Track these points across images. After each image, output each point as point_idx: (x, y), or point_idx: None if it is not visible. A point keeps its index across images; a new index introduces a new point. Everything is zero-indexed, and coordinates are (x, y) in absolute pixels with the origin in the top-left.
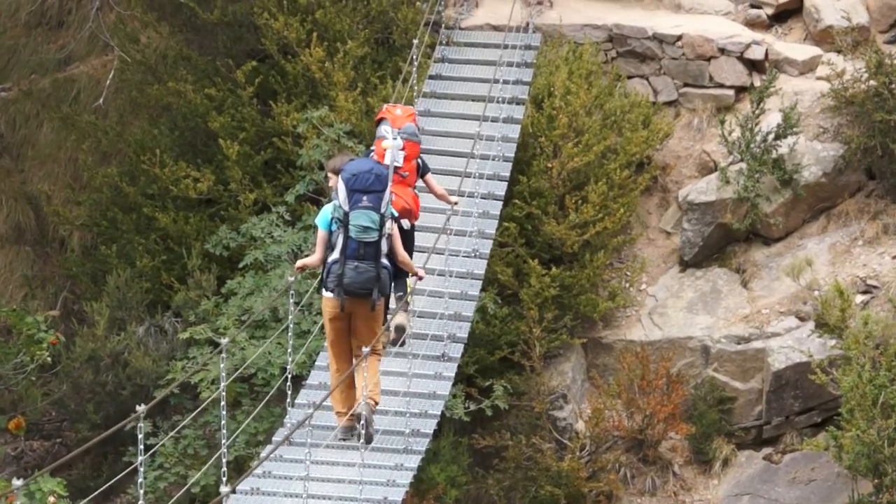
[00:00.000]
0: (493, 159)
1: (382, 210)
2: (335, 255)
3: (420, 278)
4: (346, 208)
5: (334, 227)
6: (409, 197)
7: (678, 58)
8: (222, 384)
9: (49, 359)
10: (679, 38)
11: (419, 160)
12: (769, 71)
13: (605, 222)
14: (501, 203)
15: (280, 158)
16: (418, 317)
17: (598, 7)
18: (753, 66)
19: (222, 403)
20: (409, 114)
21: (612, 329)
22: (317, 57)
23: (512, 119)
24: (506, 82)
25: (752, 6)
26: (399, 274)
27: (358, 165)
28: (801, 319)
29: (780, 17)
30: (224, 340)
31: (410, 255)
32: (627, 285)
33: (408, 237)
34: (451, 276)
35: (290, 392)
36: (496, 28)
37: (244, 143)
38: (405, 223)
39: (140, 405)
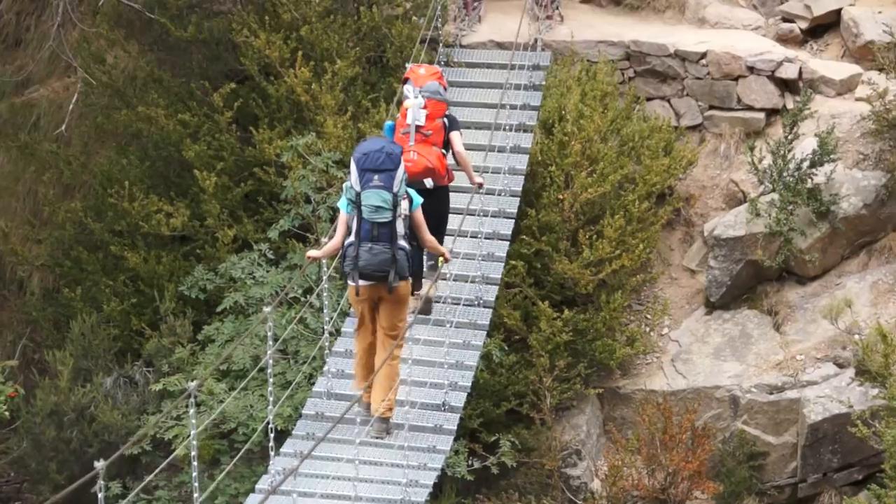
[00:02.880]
0: (499, 194)
1: (395, 189)
2: (351, 237)
3: (447, 261)
4: (358, 188)
5: (350, 210)
6: (434, 156)
7: (703, 77)
8: (192, 433)
9: (7, 413)
10: (703, 55)
11: (445, 119)
12: (803, 91)
13: (623, 260)
14: (508, 243)
15: (262, 191)
16: (415, 364)
17: (614, 22)
18: (786, 85)
19: (194, 460)
20: (433, 72)
21: (631, 378)
22: (302, 78)
23: (519, 148)
24: (512, 107)
25: (785, 20)
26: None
27: (369, 145)
28: (840, 366)
29: (816, 31)
30: (191, 384)
31: (446, 218)
32: (648, 329)
33: (439, 199)
34: (451, 325)
35: (272, 445)
36: (501, 46)
37: (222, 174)
38: (428, 182)
39: (99, 461)
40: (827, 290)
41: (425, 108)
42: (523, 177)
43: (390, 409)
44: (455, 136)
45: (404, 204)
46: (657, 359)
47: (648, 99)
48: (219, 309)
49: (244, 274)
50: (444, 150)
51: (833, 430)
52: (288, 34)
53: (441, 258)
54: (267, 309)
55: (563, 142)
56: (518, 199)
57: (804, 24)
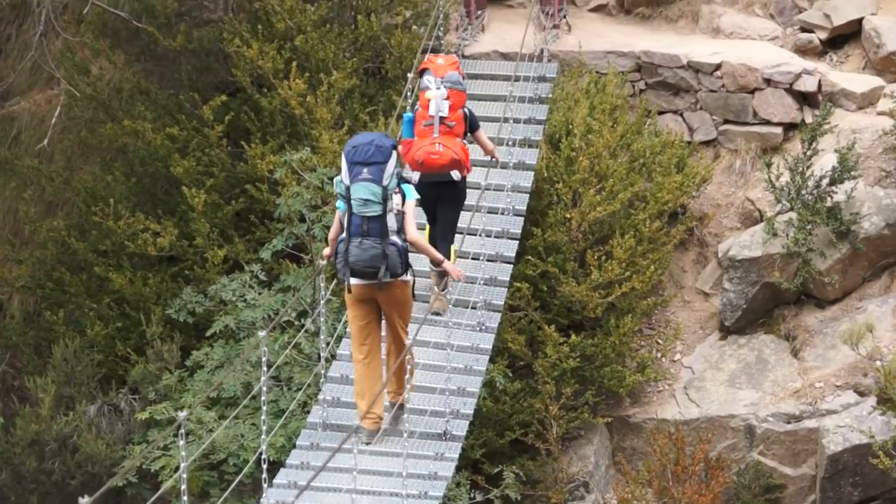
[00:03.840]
0: (503, 213)
1: (385, 182)
2: (343, 233)
3: (451, 273)
4: (347, 182)
5: (343, 206)
6: (458, 147)
7: (717, 90)
8: (182, 465)
9: None
10: (718, 66)
11: (466, 110)
12: (823, 105)
13: (633, 282)
14: (511, 266)
15: (254, 209)
16: (414, 390)
17: (624, 31)
18: (805, 99)
19: (183, 494)
20: (451, 62)
21: (642, 406)
22: (297, 90)
23: (524, 165)
24: (516, 121)
25: (803, 30)
26: (442, 237)
27: (359, 138)
28: (861, 394)
29: (836, 42)
30: (181, 414)
31: (458, 210)
32: (659, 355)
33: (459, 191)
34: (452, 349)
35: (265, 477)
36: (505, 56)
37: (212, 191)
38: (455, 174)
39: (83, 496)
40: (847, 314)
41: (448, 98)
42: (528, 195)
43: (400, 395)
44: (482, 135)
45: (396, 199)
46: (669, 386)
47: (660, 112)
48: (208, 333)
49: (235, 296)
50: (465, 141)
51: (854, 461)
52: (282, 44)
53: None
54: (261, 333)
55: (571, 157)
56: (523, 218)
57: (824, 35)
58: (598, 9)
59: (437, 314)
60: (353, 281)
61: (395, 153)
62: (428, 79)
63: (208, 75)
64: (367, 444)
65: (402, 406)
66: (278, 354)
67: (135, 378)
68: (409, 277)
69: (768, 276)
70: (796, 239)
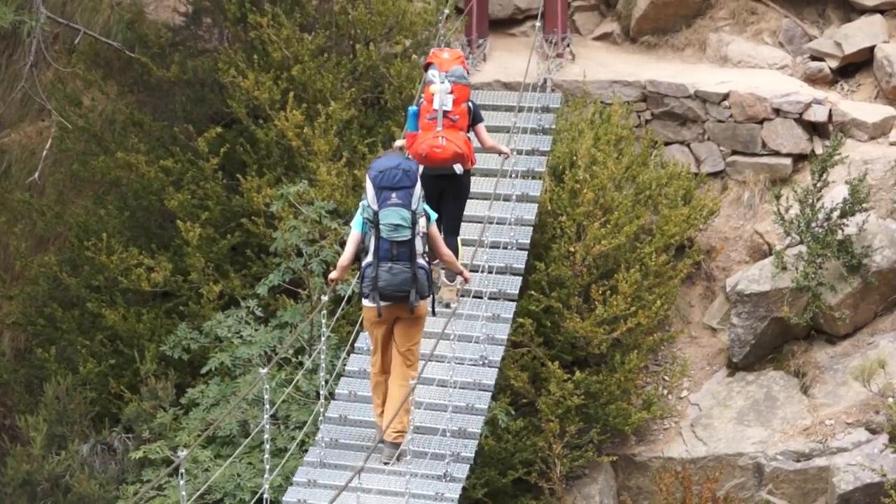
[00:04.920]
0: (505, 248)
1: (413, 207)
2: (369, 258)
3: (466, 280)
4: (376, 207)
5: (366, 230)
6: (461, 141)
7: (725, 120)
8: None
9: None
10: (726, 96)
11: (470, 104)
12: (834, 135)
13: (639, 317)
14: (515, 303)
15: (250, 243)
16: (416, 431)
17: (630, 60)
18: (815, 129)
19: None
20: (456, 56)
21: (648, 444)
22: (294, 121)
23: (527, 197)
24: (519, 152)
25: (813, 58)
26: (449, 231)
27: (385, 162)
28: (873, 432)
29: (846, 70)
30: (182, 453)
31: (462, 204)
32: (665, 392)
33: (462, 185)
34: (454, 386)
35: None
36: (507, 86)
37: (207, 225)
38: (458, 168)
39: None
40: (859, 350)
41: (452, 92)
42: (532, 228)
43: (401, 434)
44: (482, 130)
45: (422, 221)
46: (675, 424)
47: (666, 143)
48: (203, 370)
49: (231, 333)
50: (469, 135)
51: (865, 500)
52: (278, 74)
53: (459, 275)
54: (262, 371)
55: (575, 190)
56: (526, 252)
57: (834, 63)
58: (603, 37)
59: (448, 306)
60: (382, 304)
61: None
62: (432, 73)
63: (203, 106)
64: (386, 463)
65: (398, 445)
66: (276, 392)
67: (128, 416)
68: (429, 296)
69: (777, 310)
70: (806, 273)
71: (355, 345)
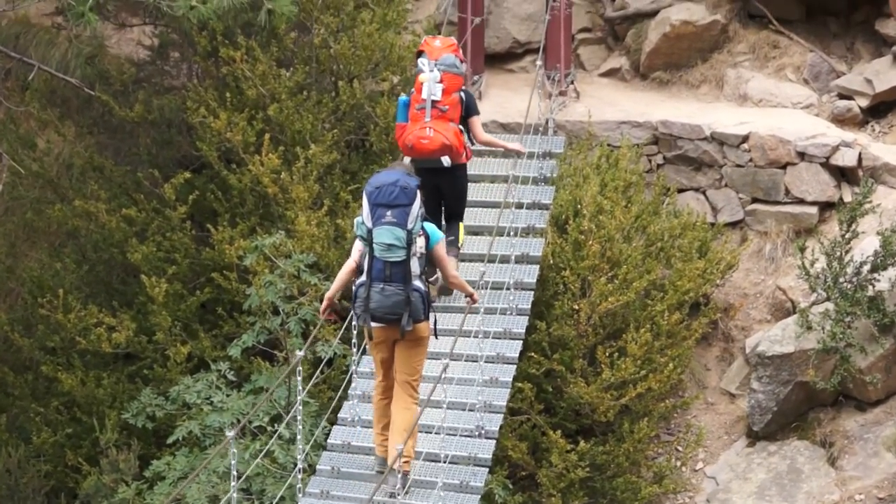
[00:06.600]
0: (503, 313)
1: (409, 226)
2: (362, 277)
3: (474, 301)
4: (370, 224)
5: (363, 246)
6: (451, 132)
7: (744, 165)
8: None
9: None
10: (745, 138)
11: (462, 94)
12: (864, 181)
13: (650, 381)
14: (514, 367)
15: (221, 300)
16: None
17: (640, 99)
18: (843, 174)
19: None
20: (448, 45)
21: None
22: (270, 166)
23: (527, 258)
24: (518, 206)
25: (841, 96)
26: (451, 217)
27: (382, 177)
28: None
29: (877, 110)
30: None
31: (464, 198)
32: (679, 464)
33: (455, 178)
34: (446, 460)
35: None
36: (505, 127)
37: (174, 280)
38: (445, 160)
39: None
40: (891, 418)
41: (441, 81)
42: (532, 292)
43: (407, 463)
44: (476, 123)
45: (420, 242)
46: (690, 499)
47: (680, 190)
48: (170, 440)
49: (200, 399)
50: (461, 126)
51: None
52: (253, 114)
53: (468, 297)
54: (229, 434)
55: (579, 241)
56: (526, 317)
57: (864, 102)
58: (610, 73)
59: (444, 291)
60: (374, 325)
61: (419, 194)
62: (422, 61)
63: (170, 149)
64: (394, 495)
65: (406, 474)
66: (249, 464)
67: (87, 491)
68: (431, 317)
69: (802, 374)
70: (833, 333)
71: (338, 415)
